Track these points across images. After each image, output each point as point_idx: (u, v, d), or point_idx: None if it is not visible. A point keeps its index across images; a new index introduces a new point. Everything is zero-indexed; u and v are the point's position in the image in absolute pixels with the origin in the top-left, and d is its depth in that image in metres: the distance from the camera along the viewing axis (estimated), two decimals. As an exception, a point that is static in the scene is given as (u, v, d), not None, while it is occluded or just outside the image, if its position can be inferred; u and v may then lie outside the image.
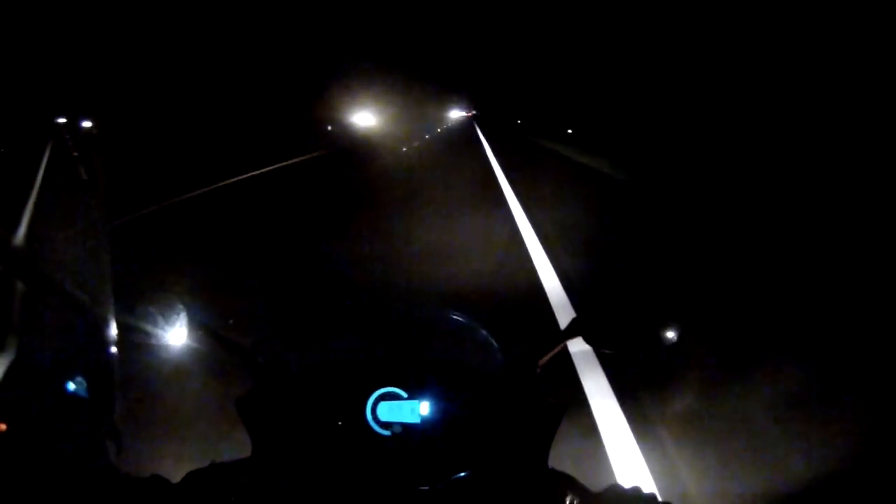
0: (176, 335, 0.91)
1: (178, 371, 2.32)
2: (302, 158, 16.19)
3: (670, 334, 0.82)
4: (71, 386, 0.83)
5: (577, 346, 0.87)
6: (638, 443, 2.11)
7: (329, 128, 27.24)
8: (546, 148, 19.55)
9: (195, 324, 0.92)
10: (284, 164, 15.02)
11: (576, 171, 12.85)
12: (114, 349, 0.95)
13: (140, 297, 0.92)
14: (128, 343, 0.91)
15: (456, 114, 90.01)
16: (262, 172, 13.14)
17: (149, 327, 0.90)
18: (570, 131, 21.77)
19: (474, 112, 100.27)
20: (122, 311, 0.91)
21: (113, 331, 0.94)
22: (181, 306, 0.92)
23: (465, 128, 45.34)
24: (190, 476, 0.72)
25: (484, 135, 30.04)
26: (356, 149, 19.27)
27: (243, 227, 6.32)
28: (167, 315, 0.91)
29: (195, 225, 7.08)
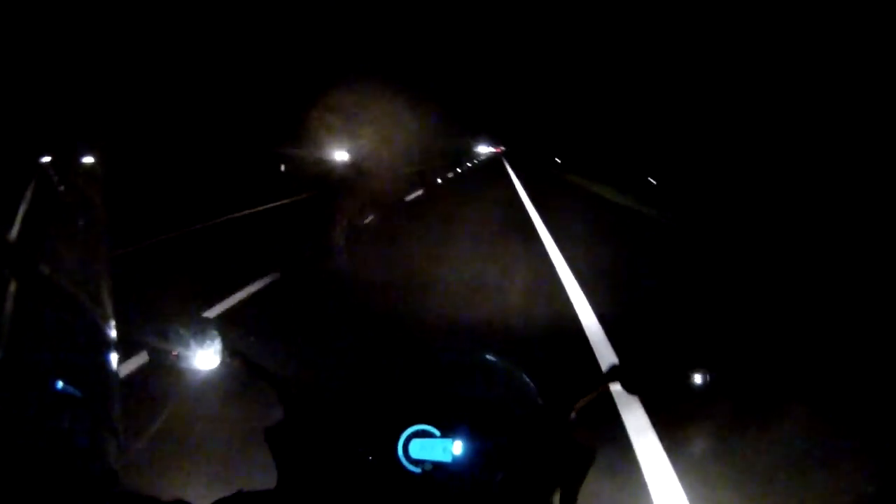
0: (207, 360, 0.91)
1: (210, 395, 2.37)
2: (328, 188, 15.12)
3: (700, 381, 0.86)
4: (71, 387, 0.83)
5: (618, 386, 0.89)
6: (681, 482, 2.10)
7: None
8: (582, 187, 19.35)
9: (227, 349, 0.92)
10: (316, 193, 14.72)
11: (612, 210, 12.80)
12: (114, 352, 0.95)
13: (174, 319, 0.92)
14: (161, 364, 0.90)
15: (485, 149, 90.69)
16: (295, 200, 13.00)
17: (180, 350, 0.90)
18: (606, 169, 20.97)
19: (503, 148, 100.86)
20: (153, 333, 0.91)
21: (112, 331, 0.94)
22: (214, 330, 0.93)
23: (495, 164, 45.16)
24: (217, 503, 0.71)
25: (514, 171, 29.89)
26: (386, 185, 17.10)
27: (279, 259, 6.23)
28: (199, 338, 0.91)
29: (233, 250, 7.16)
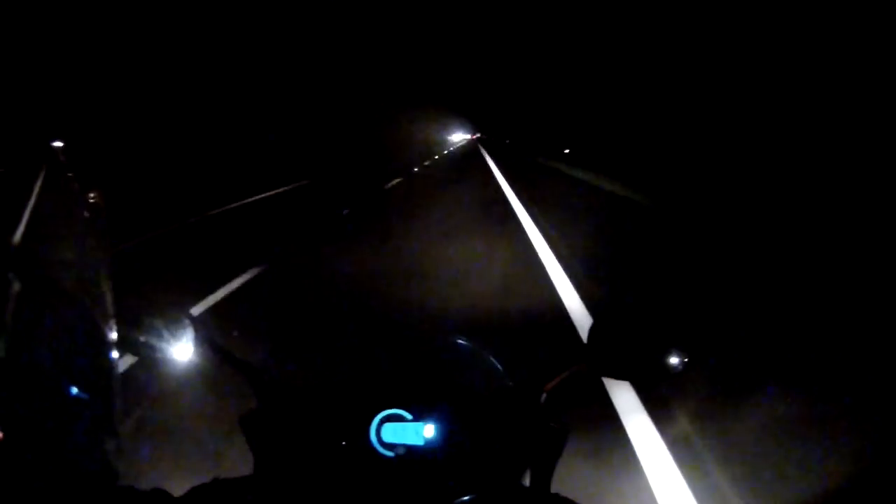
0: (182, 351, 0.92)
1: (183, 386, 2.36)
2: (298, 185, 15.06)
3: (675, 361, 0.82)
4: (71, 387, 0.83)
5: (585, 368, 0.87)
6: (674, 459, 2.11)
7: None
8: (556, 169, 19.35)
9: (201, 339, 0.93)
10: (284, 189, 14.41)
11: (587, 190, 12.81)
12: (115, 352, 0.95)
13: (147, 312, 0.93)
14: (134, 357, 0.92)
15: (459, 137, 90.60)
16: (266, 196, 12.85)
17: (155, 342, 0.91)
18: (573, 151, 20.51)
19: (479, 135, 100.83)
20: (129, 325, 0.91)
21: (113, 333, 0.95)
22: (188, 321, 0.93)
23: (471, 151, 44.85)
24: (194, 490, 0.72)
25: (491, 157, 29.82)
26: (358, 175, 17.60)
27: (249, 247, 6.34)
28: (173, 330, 0.92)
29: (201, 244, 7.14)
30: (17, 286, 0.88)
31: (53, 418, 0.80)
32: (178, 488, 0.71)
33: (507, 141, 51.51)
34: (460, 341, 1.00)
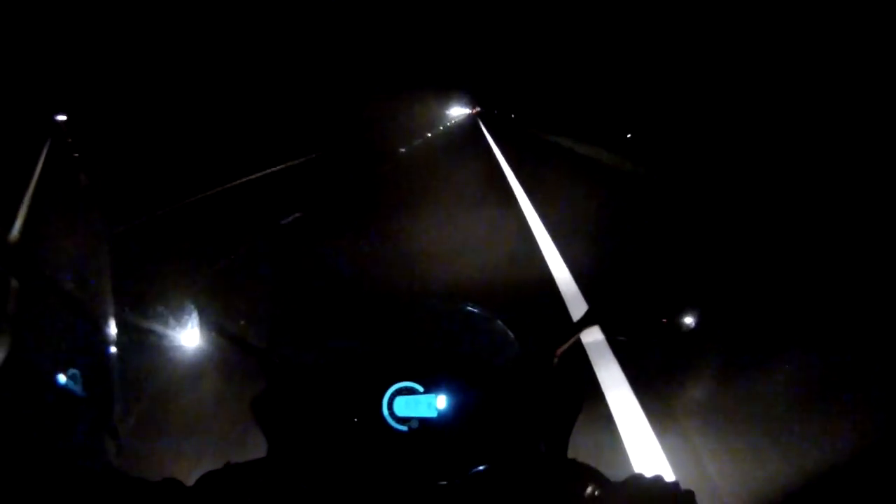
0: (189, 337, 0.91)
1: (192, 373, 2.35)
2: (306, 158, 15.31)
3: (688, 320, 0.81)
4: (69, 384, 0.83)
5: (591, 337, 0.87)
6: (654, 431, 2.10)
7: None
8: (552, 142, 19.31)
9: (208, 325, 0.92)
10: (290, 164, 14.56)
11: (582, 163, 12.80)
12: (113, 348, 0.95)
13: (153, 299, 0.92)
14: (141, 345, 0.90)
15: (459, 111, 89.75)
16: (267, 174, 12.92)
17: (162, 329, 0.90)
18: (574, 124, 20.42)
19: (478, 109, 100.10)
20: (135, 312, 0.91)
21: (112, 329, 0.93)
22: (193, 308, 0.92)
23: (470, 124, 44.45)
24: (205, 477, 0.71)
25: (489, 131, 29.61)
26: (361, 148, 17.91)
27: (253, 228, 6.39)
28: (180, 316, 0.91)
29: (205, 227, 7.14)
30: (14, 283, 0.88)
31: (52, 418, 0.79)
32: (190, 476, 0.71)
33: (512, 115, 51.52)
34: (469, 308, 0.98)
